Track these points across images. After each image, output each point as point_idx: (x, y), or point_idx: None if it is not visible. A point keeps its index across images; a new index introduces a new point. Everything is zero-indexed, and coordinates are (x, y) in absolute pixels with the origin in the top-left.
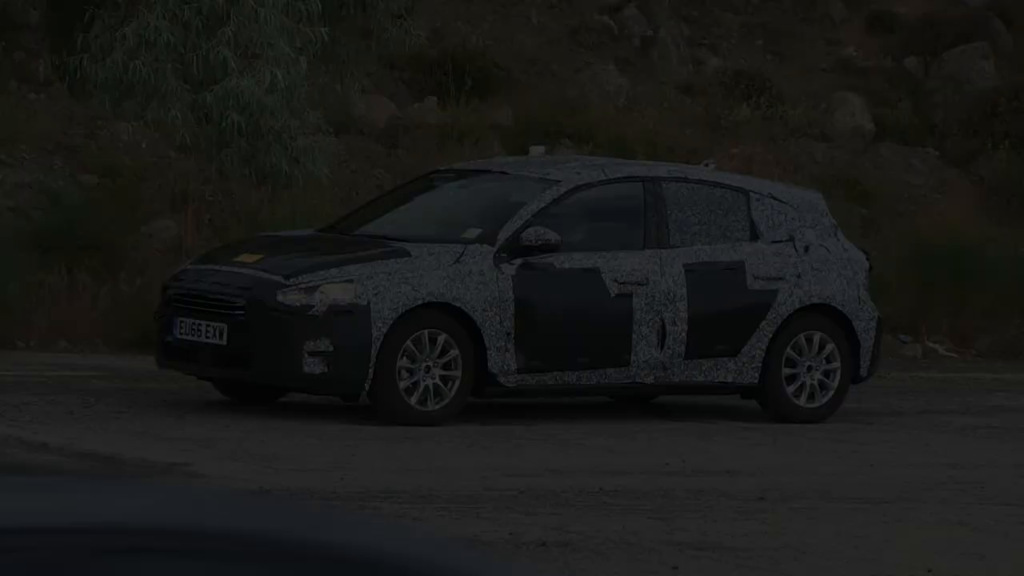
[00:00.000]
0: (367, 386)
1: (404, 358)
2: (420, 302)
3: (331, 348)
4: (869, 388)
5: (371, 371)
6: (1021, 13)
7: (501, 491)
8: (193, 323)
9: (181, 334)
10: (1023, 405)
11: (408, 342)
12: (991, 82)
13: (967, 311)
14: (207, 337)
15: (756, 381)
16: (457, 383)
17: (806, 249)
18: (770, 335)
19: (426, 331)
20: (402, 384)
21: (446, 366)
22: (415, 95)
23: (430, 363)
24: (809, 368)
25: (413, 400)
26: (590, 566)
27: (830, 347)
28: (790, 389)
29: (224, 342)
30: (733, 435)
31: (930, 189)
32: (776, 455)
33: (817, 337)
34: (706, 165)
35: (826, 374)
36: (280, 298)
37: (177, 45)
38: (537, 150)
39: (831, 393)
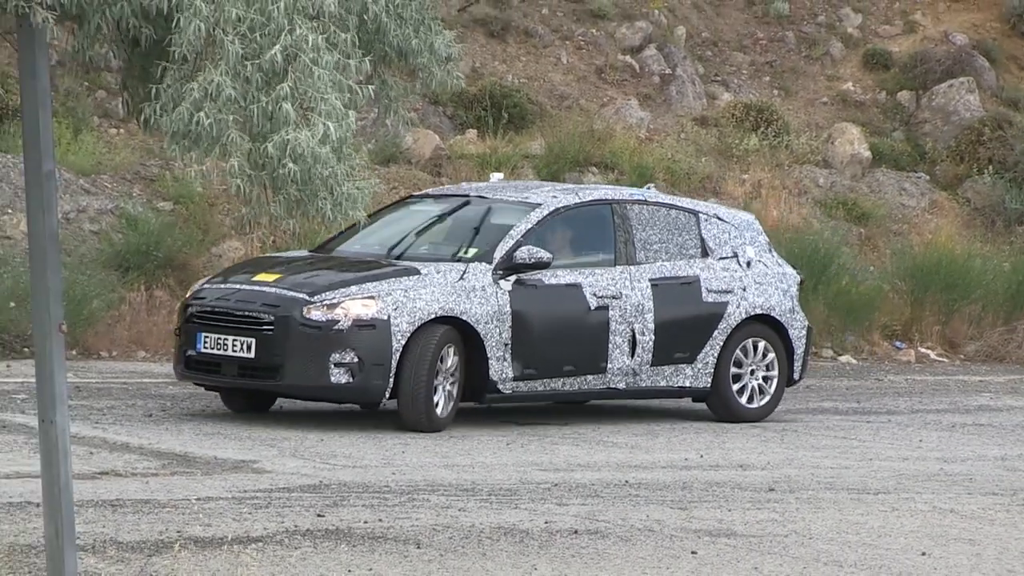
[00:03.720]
0: (387, 394)
1: (422, 368)
2: (433, 316)
3: (356, 360)
4: (867, 390)
5: (391, 380)
6: (1002, 52)
7: (536, 484)
8: (218, 338)
9: (205, 348)
10: (1006, 405)
11: (425, 353)
12: (976, 113)
13: (955, 320)
14: (234, 351)
15: (708, 385)
16: (459, 390)
17: (748, 264)
18: (721, 343)
19: (437, 343)
20: (422, 393)
21: (455, 375)
22: (457, 128)
23: (443, 373)
24: (752, 372)
25: (432, 407)
26: (618, 551)
27: (771, 355)
28: (736, 392)
29: (252, 355)
30: (745, 433)
31: (921, 210)
32: (784, 451)
33: (761, 344)
34: (648, 188)
35: (765, 379)
36: (307, 314)
37: (238, 99)
38: (496, 176)
39: (769, 395)
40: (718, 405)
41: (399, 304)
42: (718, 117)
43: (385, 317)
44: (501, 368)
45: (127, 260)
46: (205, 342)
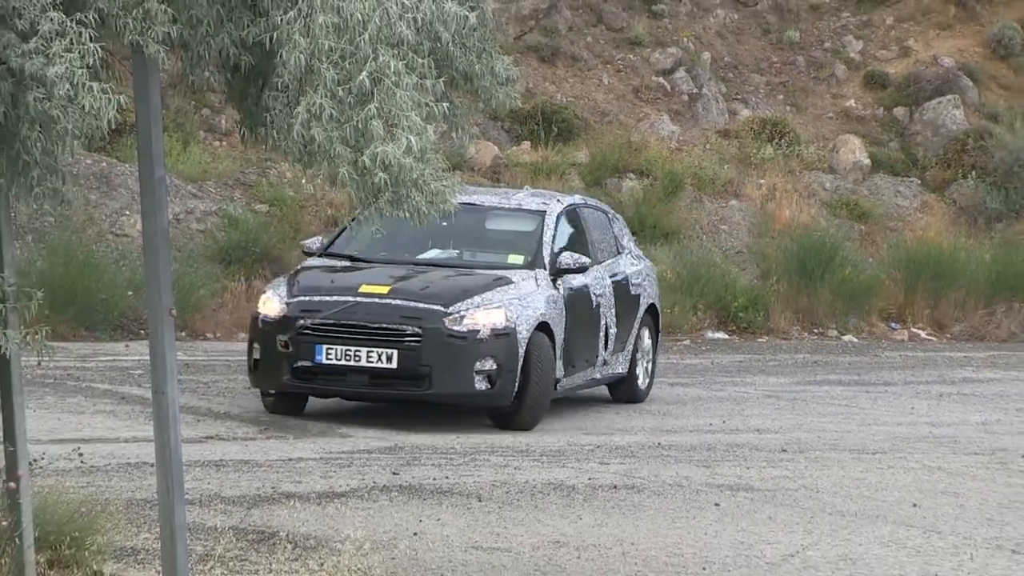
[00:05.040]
0: (512, 399)
1: (548, 372)
2: (538, 322)
3: (495, 367)
4: (867, 364)
5: (517, 384)
6: (984, 73)
7: (581, 446)
8: (346, 350)
9: (328, 360)
10: (986, 377)
11: (545, 357)
12: (961, 126)
13: (943, 304)
14: (369, 361)
15: (626, 371)
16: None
17: (639, 258)
18: (636, 332)
19: (549, 347)
20: (547, 396)
21: None
22: (513, 140)
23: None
24: (643, 356)
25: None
26: (651, 503)
27: (649, 340)
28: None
29: (394, 365)
30: (761, 402)
31: (914, 210)
32: (794, 417)
33: (646, 331)
34: (524, 189)
35: (648, 362)
36: (451, 325)
37: (337, 117)
38: (526, 189)
39: (650, 377)
40: (626, 389)
41: (519, 312)
42: (738, 130)
43: (514, 325)
44: (559, 367)
45: (229, 255)
46: (328, 354)
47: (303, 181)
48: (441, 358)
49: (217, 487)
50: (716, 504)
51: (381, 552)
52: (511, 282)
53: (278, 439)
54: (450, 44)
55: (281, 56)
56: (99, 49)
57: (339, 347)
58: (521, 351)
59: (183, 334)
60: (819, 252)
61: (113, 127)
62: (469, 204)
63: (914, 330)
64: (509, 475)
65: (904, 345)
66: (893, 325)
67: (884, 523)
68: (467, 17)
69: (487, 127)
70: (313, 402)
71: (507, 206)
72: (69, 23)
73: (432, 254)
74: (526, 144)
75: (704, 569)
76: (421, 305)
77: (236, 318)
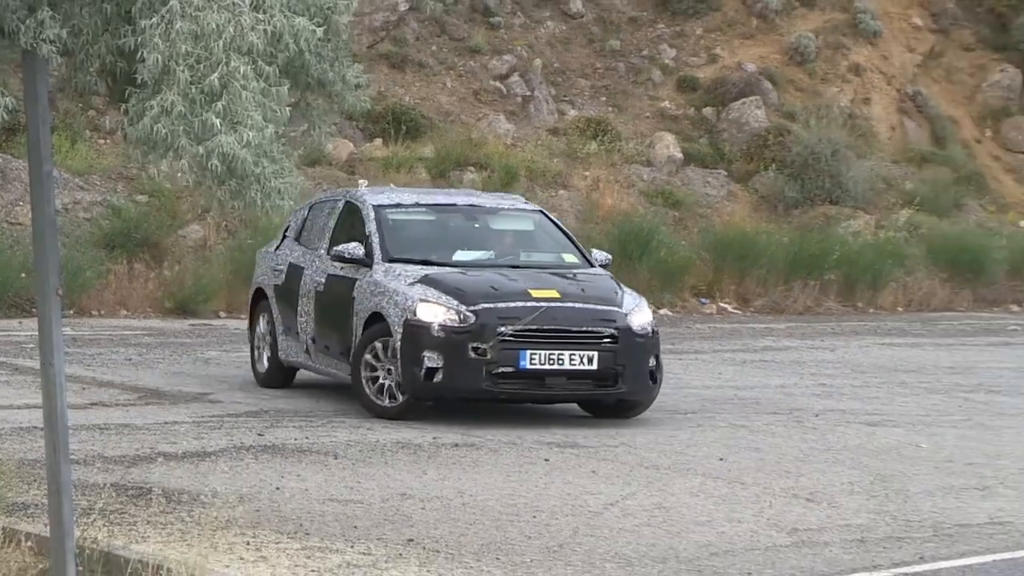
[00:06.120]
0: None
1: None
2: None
3: (655, 364)
4: (680, 335)
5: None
6: (783, 77)
7: (425, 409)
8: (550, 354)
9: (532, 364)
10: (784, 345)
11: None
12: (763, 124)
13: (747, 281)
14: (572, 364)
15: None
16: None
17: None
18: None
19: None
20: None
21: None
22: (367, 137)
23: None
24: None
25: None
26: (488, 459)
27: None
28: None
29: (595, 367)
30: None
31: (721, 198)
32: None
33: None
34: (360, 182)
35: None
36: (633, 326)
37: (186, 114)
38: (362, 182)
39: None
40: None
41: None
42: (566, 128)
43: (655, 324)
44: None
45: (113, 240)
46: (532, 359)
47: (155, 173)
48: (631, 357)
49: (100, 448)
50: (546, 460)
51: (246, 504)
52: (611, 280)
53: (155, 405)
54: (306, 54)
55: (142, 56)
56: None
57: (543, 352)
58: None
59: (71, 312)
60: (638, 236)
61: (6, 126)
62: (471, 206)
63: (721, 305)
64: (362, 435)
65: (713, 318)
66: (703, 300)
67: (694, 475)
68: (315, 31)
69: (343, 126)
70: (192, 369)
71: (505, 206)
72: None
73: (476, 255)
74: (378, 141)
75: (535, 517)
76: (610, 308)
77: (119, 296)
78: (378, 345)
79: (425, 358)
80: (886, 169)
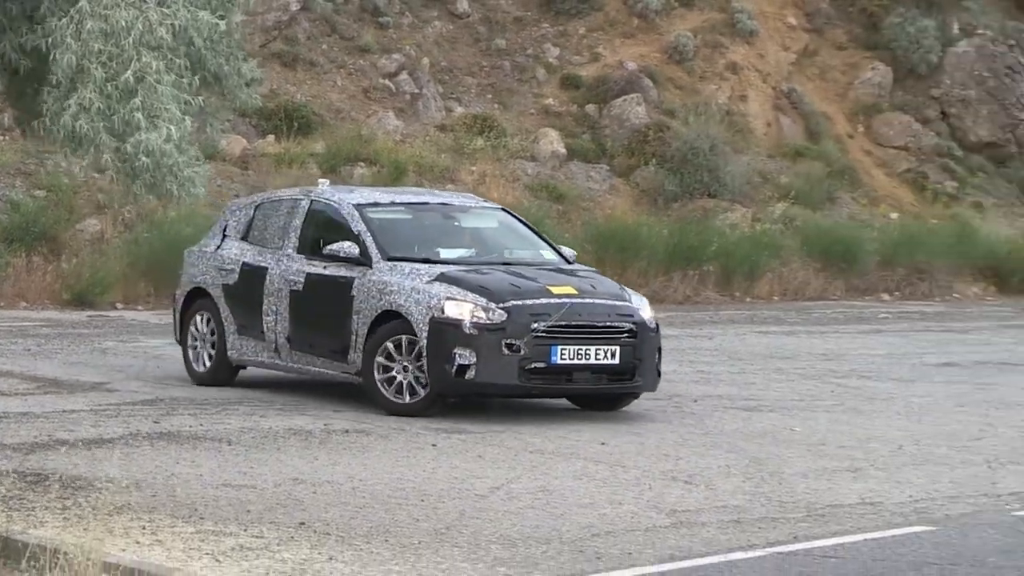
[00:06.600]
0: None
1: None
2: None
3: (658, 358)
4: None
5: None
6: (663, 75)
7: (320, 396)
8: (578, 349)
9: (562, 360)
10: (664, 334)
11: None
12: (643, 120)
13: (629, 272)
14: (596, 359)
15: None
16: None
17: None
18: None
19: None
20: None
21: None
22: (260, 134)
23: None
24: None
25: None
26: (378, 445)
27: None
28: None
29: (616, 361)
30: None
31: (603, 192)
32: None
33: None
34: (320, 182)
35: None
36: (647, 321)
37: (104, 110)
38: (324, 182)
39: None
40: None
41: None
42: (453, 125)
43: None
44: None
45: (11, 234)
46: (562, 354)
47: (75, 169)
48: (645, 351)
49: None
50: (433, 445)
51: (142, 490)
52: (606, 276)
53: (54, 394)
54: (203, 48)
55: (55, 57)
56: None
57: (572, 347)
58: None
59: None
60: None
61: None
62: (443, 204)
63: None
64: (255, 422)
65: None
66: None
67: (577, 459)
68: (218, 24)
69: (237, 123)
70: (89, 359)
71: (470, 205)
72: None
73: (458, 253)
74: (271, 137)
75: (423, 500)
76: (625, 303)
77: (17, 289)
78: (390, 344)
79: (456, 355)
80: (762, 164)
